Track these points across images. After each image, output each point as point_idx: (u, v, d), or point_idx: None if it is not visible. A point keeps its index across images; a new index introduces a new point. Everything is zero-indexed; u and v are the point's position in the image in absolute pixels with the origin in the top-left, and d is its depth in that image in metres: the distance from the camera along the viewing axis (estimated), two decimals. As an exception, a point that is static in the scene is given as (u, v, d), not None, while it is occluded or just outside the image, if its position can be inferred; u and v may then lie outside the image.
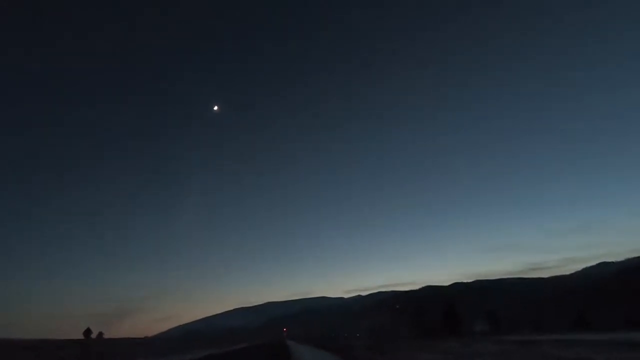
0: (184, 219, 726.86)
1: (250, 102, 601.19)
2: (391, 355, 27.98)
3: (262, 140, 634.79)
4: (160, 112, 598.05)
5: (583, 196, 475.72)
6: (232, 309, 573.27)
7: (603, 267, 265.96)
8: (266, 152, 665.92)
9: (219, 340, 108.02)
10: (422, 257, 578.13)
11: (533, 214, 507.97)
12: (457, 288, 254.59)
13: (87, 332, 60.66)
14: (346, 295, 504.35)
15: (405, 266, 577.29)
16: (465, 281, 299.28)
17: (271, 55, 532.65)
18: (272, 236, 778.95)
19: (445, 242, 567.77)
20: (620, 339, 30.79)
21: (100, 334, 67.44)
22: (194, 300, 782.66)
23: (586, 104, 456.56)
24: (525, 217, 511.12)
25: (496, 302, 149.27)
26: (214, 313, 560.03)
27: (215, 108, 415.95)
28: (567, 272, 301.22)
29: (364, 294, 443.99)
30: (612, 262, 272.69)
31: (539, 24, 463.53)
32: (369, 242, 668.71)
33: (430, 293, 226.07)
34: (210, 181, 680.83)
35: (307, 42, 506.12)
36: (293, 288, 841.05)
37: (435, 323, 77.35)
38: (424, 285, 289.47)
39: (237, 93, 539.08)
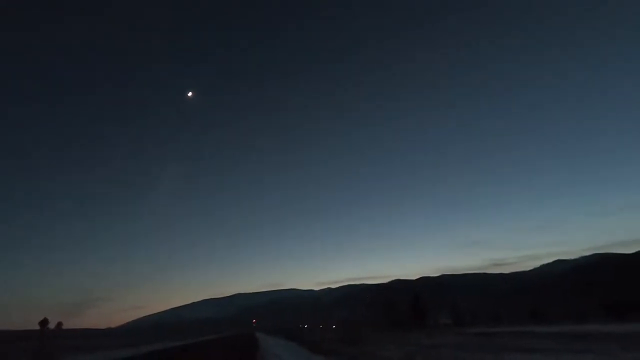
0: (153, 208, 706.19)
1: (228, 92, 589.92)
2: (358, 347, 28.53)
3: (234, 133, 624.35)
4: (130, 99, 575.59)
5: (543, 197, 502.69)
6: (200, 300, 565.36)
7: (559, 264, 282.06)
8: (238, 145, 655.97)
9: (187, 332, 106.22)
10: (391, 252, 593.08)
11: (497, 212, 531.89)
12: (424, 282, 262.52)
13: (44, 322, 57.45)
14: (317, 288, 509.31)
15: (374, 260, 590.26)
16: (432, 275, 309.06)
17: (252, 46, 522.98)
18: (243, 228, 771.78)
19: (413, 238, 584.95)
20: (571, 331, 32.85)
21: (59, 324, 64.57)
22: (162, 291, 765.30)
23: (548, 109, 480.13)
24: (490, 216, 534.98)
25: (460, 296, 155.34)
26: (182, 304, 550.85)
27: (190, 94, 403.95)
28: (526, 269, 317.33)
29: (334, 286, 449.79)
30: (568, 260, 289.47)
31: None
32: (340, 236, 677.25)
33: (399, 286, 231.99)
34: (181, 172, 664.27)
35: (286, 32, 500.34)
36: (263, 280, 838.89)
37: (402, 315, 79.49)
38: (392, 279, 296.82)
39: (212, 82, 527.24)
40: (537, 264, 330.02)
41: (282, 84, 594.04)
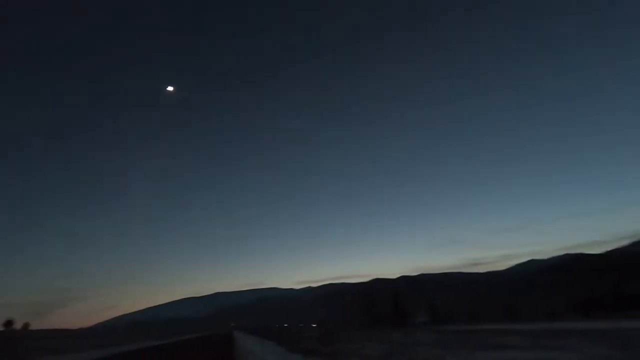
0: (130, 206, 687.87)
1: (209, 89, 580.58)
2: (337, 345, 28.68)
3: (215, 131, 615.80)
4: (108, 94, 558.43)
5: (519, 199, 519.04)
6: (179, 299, 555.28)
7: (532, 264, 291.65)
8: (219, 143, 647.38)
9: (163, 332, 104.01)
10: (372, 251, 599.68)
11: (475, 213, 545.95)
12: (404, 281, 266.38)
13: (8, 323, 54.37)
14: (297, 287, 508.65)
15: (355, 260, 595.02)
16: (411, 275, 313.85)
17: (236, 41, 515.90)
18: (223, 226, 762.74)
19: (393, 237, 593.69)
20: (544, 328, 34.06)
21: (26, 325, 61.67)
22: (138, 290, 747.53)
23: (524, 112, 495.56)
24: (468, 216, 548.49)
25: (439, 295, 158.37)
26: (160, 303, 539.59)
27: (170, 89, 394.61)
28: (502, 268, 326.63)
29: (315, 285, 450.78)
30: (541, 260, 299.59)
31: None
32: (321, 235, 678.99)
33: (379, 285, 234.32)
34: (160, 169, 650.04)
35: (267, 29, 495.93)
36: (244, 279, 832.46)
37: (382, 314, 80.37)
38: (373, 278, 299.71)
39: (193, 77, 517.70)
40: (512, 263, 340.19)
41: (265, 82, 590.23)
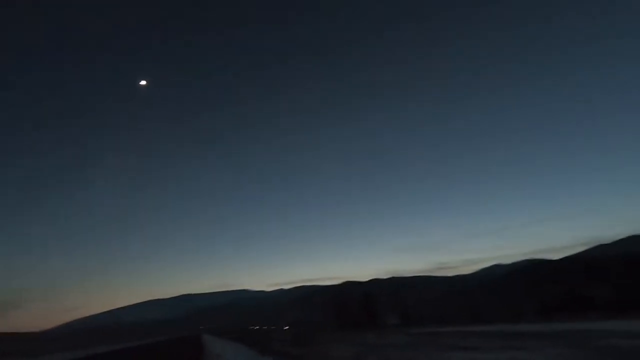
0: (92, 202, 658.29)
1: (184, 83, 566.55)
2: (309, 348, 28.88)
3: (187, 127, 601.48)
4: (78, 86, 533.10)
5: (486, 205, 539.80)
6: (145, 300, 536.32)
7: (496, 268, 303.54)
8: (189, 139, 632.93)
9: (126, 335, 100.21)
10: (343, 254, 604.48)
11: (443, 218, 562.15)
12: (375, 284, 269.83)
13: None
14: (269, 289, 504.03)
15: (326, 262, 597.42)
16: (382, 278, 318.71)
17: (214, 33, 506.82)
18: (192, 226, 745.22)
19: (364, 241, 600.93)
20: (507, 330, 35.72)
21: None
22: (100, 291, 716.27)
23: (490, 120, 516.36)
24: (437, 222, 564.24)
25: (408, 298, 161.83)
26: (124, 305, 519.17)
27: (142, 83, 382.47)
28: (469, 272, 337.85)
29: (286, 287, 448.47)
30: (504, 264, 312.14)
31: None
32: (292, 237, 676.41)
33: (350, 288, 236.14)
34: (127, 165, 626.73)
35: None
36: (214, 280, 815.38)
37: (354, 316, 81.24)
38: (344, 280, 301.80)
39: (168, 71, 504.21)
40: (477, 267, 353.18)
41: (241, 81, 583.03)
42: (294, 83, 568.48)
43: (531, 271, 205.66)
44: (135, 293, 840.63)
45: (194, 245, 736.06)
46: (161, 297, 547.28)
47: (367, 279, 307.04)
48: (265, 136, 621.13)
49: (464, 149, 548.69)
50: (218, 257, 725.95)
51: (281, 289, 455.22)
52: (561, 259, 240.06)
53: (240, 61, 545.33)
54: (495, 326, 50.78)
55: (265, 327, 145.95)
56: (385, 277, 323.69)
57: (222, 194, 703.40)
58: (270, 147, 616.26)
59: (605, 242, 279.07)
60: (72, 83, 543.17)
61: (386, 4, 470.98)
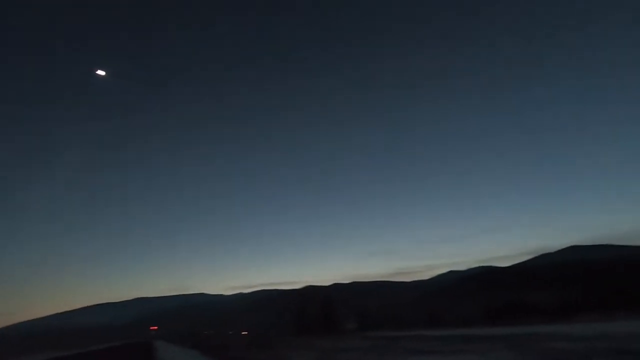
0: (37, 197, 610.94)
1: (144, 74, 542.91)
2: (267, 353, 28.63)
3: (145, 121, 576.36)
4: (29, 76, 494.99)
5: (443, 213, 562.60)
6: (92, 304, 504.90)
7: (451, 274, 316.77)
8: (146, 136, 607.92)
9: (69, 341, 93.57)
10: (305, 258, 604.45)
11: (403, 225, 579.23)
12: (337, 288, 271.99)
13: None
14: (227, 292, 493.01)
15: (288, 266, 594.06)
16: (344, 282, 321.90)
17: (179, 21, 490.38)
18: (147, 226, 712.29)
19: (327, 245, 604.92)
20: (460, 334, 37.38)
21: None
22: (40, 294, 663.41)
23: (447, 132, 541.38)
24: (398, 228, 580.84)
25: (369, 302, 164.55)
26: (68, 309, 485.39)
27: (99, 73, 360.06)
28: (426, 277, 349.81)
29: (246, 291, 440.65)
30: (458, 271, 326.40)
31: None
32: (253, 240, 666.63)
33: (311, 292, 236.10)
34: (77, 160, 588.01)
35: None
36: (168, 283, 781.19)
37: (314, 321, 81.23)
38: (305, 284, 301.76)
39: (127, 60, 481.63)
40: (434, 273, 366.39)
41: (204, 79, 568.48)
42: (254, 85, 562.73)
43: (483, 277, 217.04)
44: (81, 296, 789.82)
45: (147, 247, 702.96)
46: (111, 300, 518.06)
47: (328, 284, 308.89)
48: (226, 136, 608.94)
49: (423, 158, 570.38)
50: (174, 260, 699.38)
51: (241, 293, 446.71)
52: (509, 267, 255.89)
53: (213, 56, 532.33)
54: (449, 330, 52.94)
55: (223, 332, 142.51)
56: (347, 281, 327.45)
57: (180, 195, 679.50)
58: (231, 148, 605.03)
59: (549, 252, 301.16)
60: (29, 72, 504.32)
61: (382, 4, 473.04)
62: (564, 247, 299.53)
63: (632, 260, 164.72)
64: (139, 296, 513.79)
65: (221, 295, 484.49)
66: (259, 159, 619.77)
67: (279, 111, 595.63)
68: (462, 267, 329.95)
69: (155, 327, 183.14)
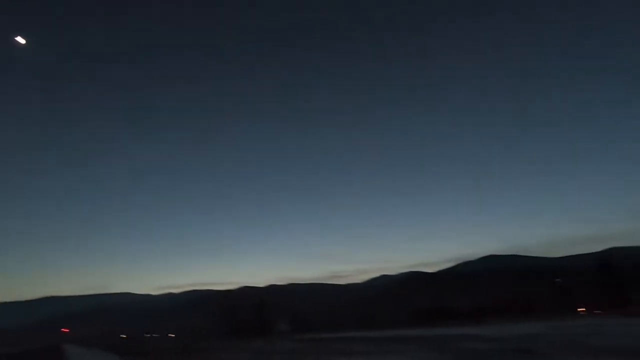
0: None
1: (71, 45, 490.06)
2: (195, 356, 27.72)
3: (65, 103, 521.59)
4: None
5: (377, 219, 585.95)
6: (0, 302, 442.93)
7: (383, 279, 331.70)
8: (68, 118, 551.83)
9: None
10: (241, 258, 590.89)
11: (339, 229, 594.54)
12: (272, 290, 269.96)
13: None
14: (155, 292, 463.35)
15: (224, 266, 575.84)
16: (279, 284, 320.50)
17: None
18: (63, 219, 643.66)
19: (264, 246, 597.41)
20: (389, 335, 39.41)
21: None
22: None
23: (381, 140, 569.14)
24: (334, 232, 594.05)
25: (305, 304, 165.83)
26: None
27: (19, 40, 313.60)
28: (359, 281, 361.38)
29: (176, 291, 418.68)
30: (390, 275, 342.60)
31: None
32: (187, 238, 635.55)
33: (247, 294, 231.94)
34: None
35: None
36: (86, 281, 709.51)
37: (247, 323, 79.94)
38: (240, 285, 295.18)
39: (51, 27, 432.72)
40: (367, 277, 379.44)
41: (144, 58, 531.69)
42: (190, 77, 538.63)
43: (412, 282, 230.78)
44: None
45: (64, 241, 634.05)
46: (16, 299, 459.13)
47: (264, 285, 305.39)
48: (156, 134, 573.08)
49: (360, 168, 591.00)
50: (95, 256, 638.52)
51: (170, 293, 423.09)
52: (435, 272, 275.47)
53: (149, 36, 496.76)
54: (379, 332, 55.47)
55: (148, 335, 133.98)
56: (283, 283, 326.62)
57: (105, 186, 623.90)
58: (162, 145, 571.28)
59: (470, 260, 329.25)
60: None
61: (385, 7, 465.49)
62: (482, 255, 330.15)
63: (538, 270, 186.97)
64: (49, 295, 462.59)
65: (149, 295, 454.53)
66: (194, 157, 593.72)
67: (222, 109, 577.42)
68: (393, 272, 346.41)
69: (67, 330, 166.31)
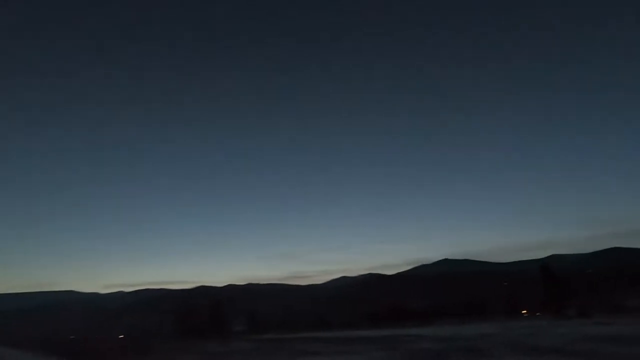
0: None
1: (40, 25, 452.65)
2: (145, 358, 26.50)
3: (18, 93, 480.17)
4: None
5: (338, 223, 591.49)
6: None
7: (343, 280, 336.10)
8: (12, 109, 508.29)
9: None
10: (199, 257, 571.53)
11: (301, 229, 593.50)
12: (231, 290, 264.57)
13: None
14: (104, 291, 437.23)
15: (180, 265, 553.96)
16: (238, 284, 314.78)
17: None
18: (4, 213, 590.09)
19: (223, 245, 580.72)
20: (347, 336, 39.76)
21: None
22: None
23: (349, 141, 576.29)
24: (294, 232, 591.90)
25: (263, 305, 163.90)
26: None
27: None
28: (320, 282, 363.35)
29: (127, 290, 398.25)
30: (350, 277, 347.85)
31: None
32: (141, 234, 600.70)
33: (203, 293, 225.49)
34: None
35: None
36: (25, 278, 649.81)
37: (203, 323, 77.51)
38: (197, 285, 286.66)
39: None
40: (327, 278, 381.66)
41: (112, 48, 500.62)
42: (147, 75, 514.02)
43: (371, 284, 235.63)
44: None
45: (2, 235, 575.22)
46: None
47: (222, 285, 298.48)
48: (115, 128, 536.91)
49: (321, 169, 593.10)
50: (36, 253, 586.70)
51: (120, 292, 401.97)
52: (392, 275, 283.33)
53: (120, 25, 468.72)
54: (338, 332, 55.92)
55: (94, 336, 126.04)
56: (242, 282, 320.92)
57: (46, 177, 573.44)
58: (116, 137, 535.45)
59: (426, 263, 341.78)
60: None
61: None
62: (438, 259, 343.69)
63: (489, 274, 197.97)
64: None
65: (96, 293, 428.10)
66: (146, 153, 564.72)
67: (175, 105, 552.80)
68: (353, 274, 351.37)
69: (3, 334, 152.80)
